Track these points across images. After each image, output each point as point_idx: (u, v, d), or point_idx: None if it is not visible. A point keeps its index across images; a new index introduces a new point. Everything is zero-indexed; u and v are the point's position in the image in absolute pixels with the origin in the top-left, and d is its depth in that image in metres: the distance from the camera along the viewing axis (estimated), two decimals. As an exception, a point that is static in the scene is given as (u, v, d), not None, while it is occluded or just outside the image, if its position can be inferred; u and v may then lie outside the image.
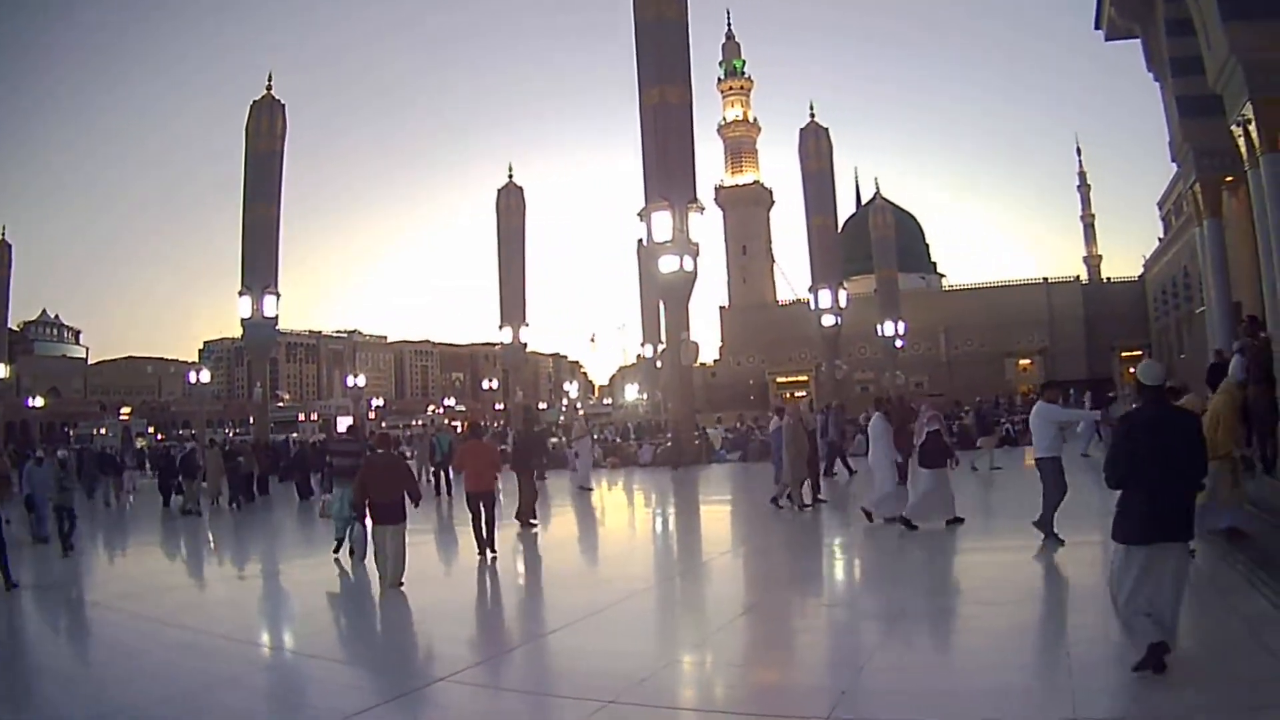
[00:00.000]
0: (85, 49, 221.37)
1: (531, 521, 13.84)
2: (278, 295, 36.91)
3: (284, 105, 38.10)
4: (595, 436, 31.44)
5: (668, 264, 28.96)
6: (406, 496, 9.78)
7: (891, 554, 10.39)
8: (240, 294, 36.14)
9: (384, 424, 62.97)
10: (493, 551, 11.05)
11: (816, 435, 17.15)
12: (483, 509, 11.18)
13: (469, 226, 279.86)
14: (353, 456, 12.21)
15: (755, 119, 79.32)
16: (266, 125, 37.28)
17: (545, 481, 21.14)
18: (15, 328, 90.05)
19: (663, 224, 28.84)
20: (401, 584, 9.28)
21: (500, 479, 12.35)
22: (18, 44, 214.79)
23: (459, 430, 28.03)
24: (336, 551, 11.57)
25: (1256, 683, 4.90)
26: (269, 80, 37.95)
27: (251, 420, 49.65)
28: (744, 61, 78.95)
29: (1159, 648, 4.88)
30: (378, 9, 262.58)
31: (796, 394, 57.55)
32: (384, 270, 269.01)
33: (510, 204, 47.46)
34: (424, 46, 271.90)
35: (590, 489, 20.35)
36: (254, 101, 37.64)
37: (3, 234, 53.05)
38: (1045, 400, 9.77)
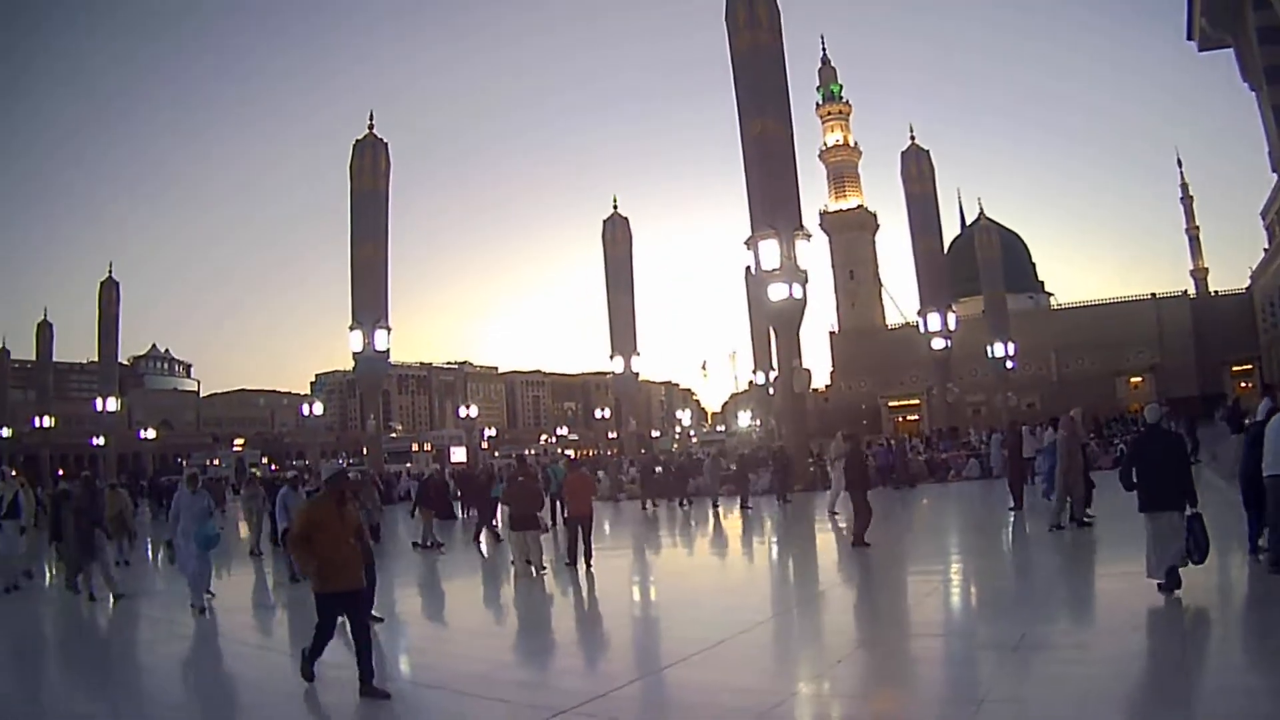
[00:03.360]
0: (196, 92, 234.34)
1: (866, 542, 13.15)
2: (388, 329, 37.68)
3: (386, 144, 38.95)
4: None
5: (777, 292, 28.94)
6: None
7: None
8: (351, 329, 36.95)
9: (515, 454, 61.54)
10: (588, 564, 12.63)
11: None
12: (580, 529, 12.92)
13: (577, 257, 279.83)
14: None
15: (856, 143, 79.30)
16: (370, 163, 38.25)
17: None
18: (125, 362, 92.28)
19: (770, 252, 29.01)
20: (544, 568, 12.29)
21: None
22: (133, 88, 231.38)
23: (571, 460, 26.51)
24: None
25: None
26: (370, 119, 38.81)
27: (365, 450, 50.65)
28: (841, 86, 79.24)
29: (1172, 574, 7.55)
30: (479, 44, 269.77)
31: (908, 417, 57.40)
32: (493, 302, 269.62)
33: (616, 234, 48.77)
34: (527, 79, 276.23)
35: (837, 513, 18.34)
36: (357, 140, 38.52)
37: (111, 272, 56.86)
38: None
